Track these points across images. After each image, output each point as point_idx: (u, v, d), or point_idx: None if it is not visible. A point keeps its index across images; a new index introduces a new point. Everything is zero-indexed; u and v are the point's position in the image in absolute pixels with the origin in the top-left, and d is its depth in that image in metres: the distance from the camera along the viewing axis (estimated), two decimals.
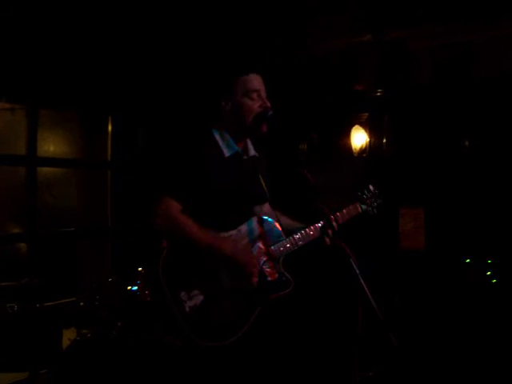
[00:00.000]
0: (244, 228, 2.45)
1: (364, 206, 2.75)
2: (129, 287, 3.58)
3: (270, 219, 2.51)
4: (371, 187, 2.80)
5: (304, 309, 4.10)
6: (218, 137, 2.48)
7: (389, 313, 2.32)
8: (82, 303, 3.63)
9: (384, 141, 5.10)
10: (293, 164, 3.68)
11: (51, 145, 4.61)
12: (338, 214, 2.63)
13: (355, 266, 2.37)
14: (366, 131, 5.13)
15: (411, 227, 4.91)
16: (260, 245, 2.46)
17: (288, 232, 2.52)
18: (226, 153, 2.46)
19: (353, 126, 5.16)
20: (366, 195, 2.78)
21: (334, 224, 2.45)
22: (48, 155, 4.54)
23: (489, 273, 4.34)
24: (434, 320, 4.34)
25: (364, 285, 2.33)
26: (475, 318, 4.15)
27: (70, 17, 3.98)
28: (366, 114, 5.16)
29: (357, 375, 3.01)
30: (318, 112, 5.15)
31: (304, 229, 2.52)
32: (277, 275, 2.45)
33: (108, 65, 4.47)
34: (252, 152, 2.58)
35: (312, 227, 2.53)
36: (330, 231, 2.46)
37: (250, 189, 2.51)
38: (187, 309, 2.28)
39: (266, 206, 2.61)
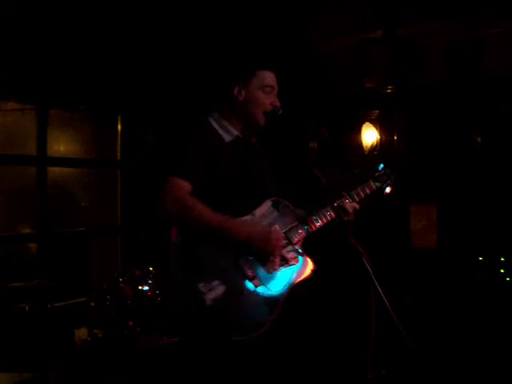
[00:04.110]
0: (259, 212, 2.31)
1: (378, 184, 2.59)
2: (140, 287, 3.57)
3: (284, 201, 2.39)
4: (382, 165, 2.65)
5: (316, 307, 4.08)
6: (215, 124, 2.42)
7: (400, 311, 2.30)
8: (93, 303, 3.63)
9: (395, 138, 5.06)
10: (303, 162, 3.65)
11: (61, 145, 4.61)
12: (354, 191, 2.51)
13: (368, 265, 2.36)
14: (376, 128, 5.09)
15: (423, 225, 4.87)
16: (277, 228, 2.32)
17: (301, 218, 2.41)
18: (226, 138, 2.41)
19: (363, 123, 5.12)
20: (379, 173, 2.63)
21: (349, 204, 2.41)
22: (58, 155, 4.53)
23: (502, 271, 4.30)
24: (445, 319, 4.30)
25: (377, 283, 2.31)
26: (487, 317, 4.11)
27: (79, 16, 3.98)
28: (377, 111, 5.12)
29: (369, 374, 2.98)
30: (328, 109, 5.11)
31: (318, 211, 2.41)
32: (298, 259, 2.32)
33: (117, 64, 4.46)
34: (254, 141, 2.53)
35: (329, 206, 2.42)
36: (348, 210, 2.40)
37: (257, 175, 2.43)
38: (208, 301, 2.13)
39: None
